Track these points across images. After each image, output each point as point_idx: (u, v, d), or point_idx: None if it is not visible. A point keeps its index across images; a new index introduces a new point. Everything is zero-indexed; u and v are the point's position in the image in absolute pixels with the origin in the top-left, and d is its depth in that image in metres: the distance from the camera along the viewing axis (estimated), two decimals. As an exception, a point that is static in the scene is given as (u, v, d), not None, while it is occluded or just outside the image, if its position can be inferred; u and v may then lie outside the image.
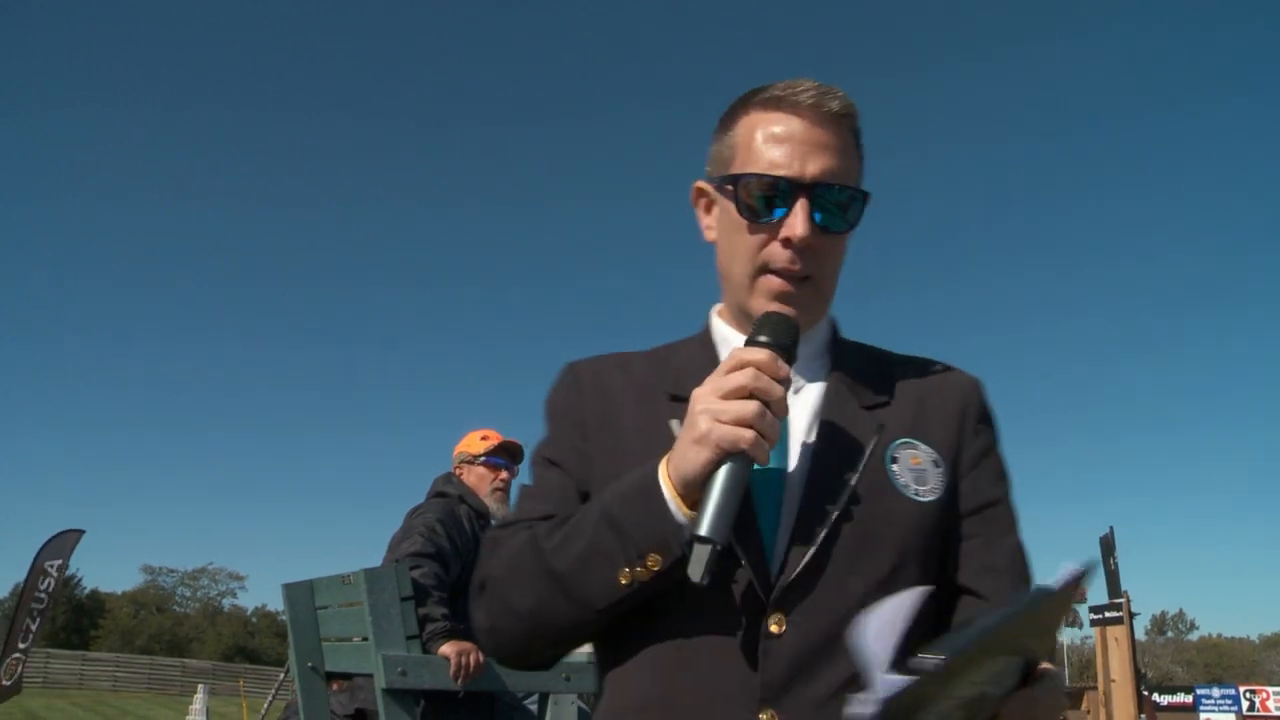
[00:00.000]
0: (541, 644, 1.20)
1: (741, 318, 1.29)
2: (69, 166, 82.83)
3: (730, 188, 1.24)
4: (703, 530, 1.02)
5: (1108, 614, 9.18)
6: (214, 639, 63.35)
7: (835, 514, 1.15)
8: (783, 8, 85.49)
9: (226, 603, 69.97)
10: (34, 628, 11.27)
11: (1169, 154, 73.98)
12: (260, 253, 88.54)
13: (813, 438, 1.22)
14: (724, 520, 1.03)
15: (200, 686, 18.53)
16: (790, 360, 1.12)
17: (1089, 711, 10.74)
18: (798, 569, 1.12)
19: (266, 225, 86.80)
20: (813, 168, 1.20)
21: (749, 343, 1.13)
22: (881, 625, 0.95)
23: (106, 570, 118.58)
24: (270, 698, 13.75)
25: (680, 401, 1.20)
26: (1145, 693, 9.28)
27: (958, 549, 1.24)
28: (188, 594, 69.33)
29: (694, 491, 1.07)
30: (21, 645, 11.19)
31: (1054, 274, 74.82)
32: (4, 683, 11.13)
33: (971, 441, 1.29)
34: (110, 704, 32.39)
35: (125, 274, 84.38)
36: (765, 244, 1.22)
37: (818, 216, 1.20)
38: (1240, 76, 72.72)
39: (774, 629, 1.10)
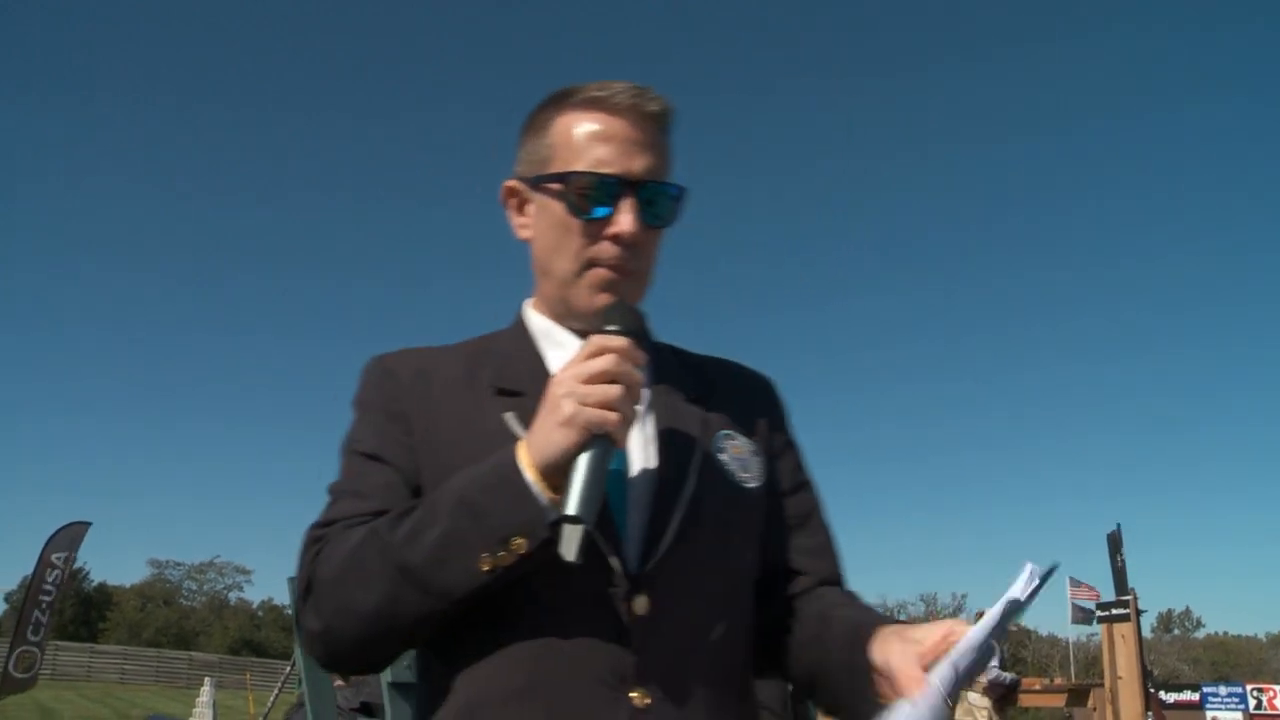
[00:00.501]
0: (385, 643, 1.17)
1: (563, 314, 1.32)
2: (77, 155, 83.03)
3: (556, 186, 1.27)
4: (573, 510, 1.04)
5: (1115, 611, 9.19)
6: (220, 632, 63.53)
7: (685, 502, 1.19)
8: (780, 7, 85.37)
9: (233, 596, 70.09)
10: (44, 620, 11.32)
11: (1176, 153, 73.72)
12: (272, 247, 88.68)
13: (649, 428, 1.26)
14: (593, 500, 1.05)
15: (207, 679, 18.57)
16: (642, 348, 1.16)
17: (1095, 709, 10.73)
18: (658, 554, 1.15)
19: (279, 220, 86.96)
20: (637, 166, 1.24)
21: (600, 331, 1.15)
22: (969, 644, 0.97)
23: (114, 563, 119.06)
24: (276, 690, 13.82)
25: (508, 395, 1.25)
26: (1152, 690, 9.26)
27: (780, 532, 1.33)
28: (194, 587, 69.52)
29: (555, 475, 1.08)
30: (33, 638, 11.24)
31: (1061, 271, 74.76)
32: (16, 675, 11.18)
33: (777, 433, 1.40)
34: (118, 696, 32.55)
35: (136, 266, 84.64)
36: (593, 241, 1.25)
37: (643, 213, 1.24)
38: (1240, 76, 72.49)
39: (638, 610, 1.13)
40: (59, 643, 47.72)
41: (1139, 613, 9.03)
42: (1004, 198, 75.61)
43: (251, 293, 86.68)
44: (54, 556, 11.41)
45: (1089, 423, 74.40)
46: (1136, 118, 73.13)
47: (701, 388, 1.35)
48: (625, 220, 1.23)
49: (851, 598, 1.32)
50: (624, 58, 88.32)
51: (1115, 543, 10.05)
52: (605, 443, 1.08)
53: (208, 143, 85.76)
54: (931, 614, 41.90)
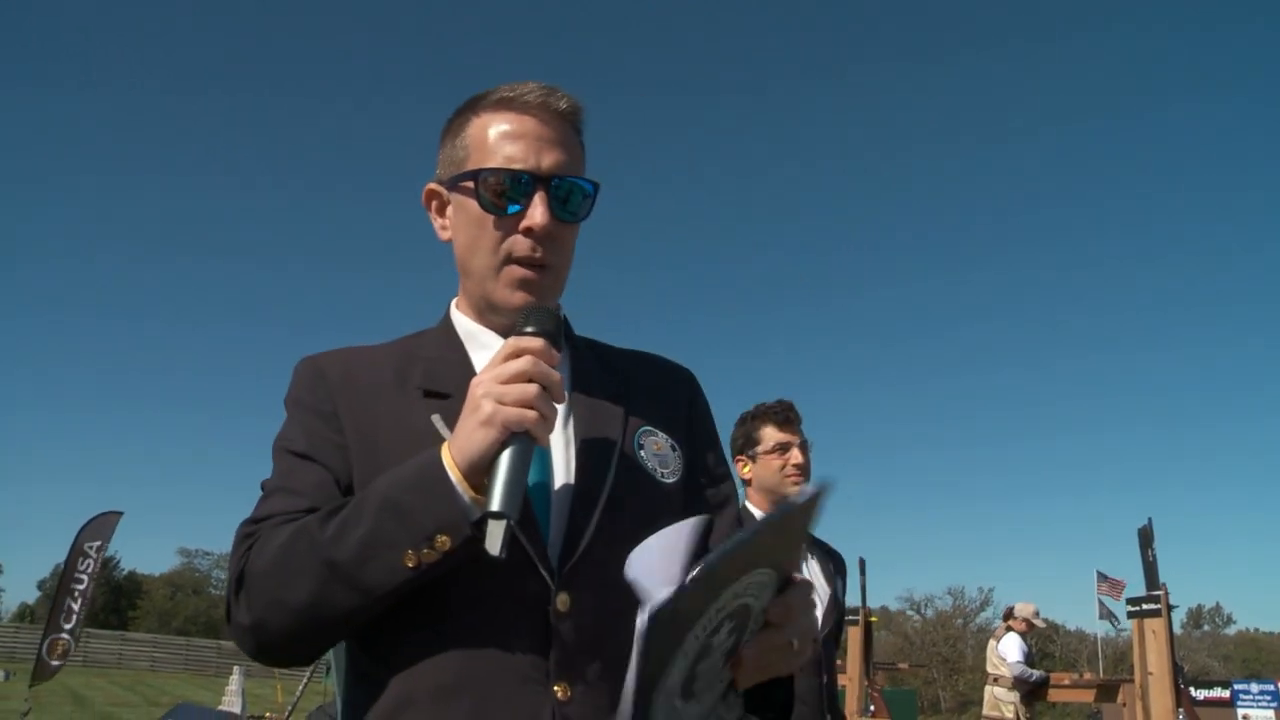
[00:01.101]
0: (313, 636, 1.20)
1: (485, 310, 1.36)
2: (103, 148, 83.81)
3: (470, 184, 1.31)
4: (496, 506, 1.08)
5: (1145, 606, 9.06)
6: (250, 621, 63.94)
7: (604, 500, 1.24)
8: (780, 6, 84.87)
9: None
10: (76, 609, 11.43)
11: (1204, 145, 72.82)
12: (298, 238, 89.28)
13: (570, 427, 1.30)
14: (515, 496, 1.09)
15: (236, 668, 18.80)
16: (558, 347, 1.20)
17: (1125, 704, 10.62)
18: (578, 551, 1.20)
19: (312, 211, 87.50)
20: (547, 161, 1.29)
21: (517, 332, 1.20)
22: (655, 556, 1.03)
23: (144, 552, 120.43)
24: (305, 680, 13.89)
25: (435, 397, 1.29)
26: (1183, 687, 9.14)
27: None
28: (223, 577, 69.70)
29: (478, 474, 1.12)
30: (66, 626, 11.35)
31: (1094, 264, 74.01)
32: (51, 662, 11.31)
33: (698, 427, 1.44)
34: (149, 684, 32.93)
35: (166, 255, 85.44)
36: (507, 236, 1.30)
37: (555, 207, 1.29)
38: (1241, 76, 71.42)
39: (561, 608, 1.18)
40: (91, 630, 48.28)
41: (1170, 608, 8.91)
42: (1037, 188, 74.94)
43: (285, 284, 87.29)
44: (87, 545, 11.52)
45: (1121, 416, 73.67)
46: (1137, 117, 72.05)
47: (621, 385, 1.39)
48: (536, 213, 1.27)
49: None
50: (626, 57, 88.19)
51: (1146, 537, 9.91)
52: (526, 441, 1.12)
53: (229, 134, 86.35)
54: (958, 607, 41.70)
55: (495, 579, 1.16)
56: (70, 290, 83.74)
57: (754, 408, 3.37)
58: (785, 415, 3.30)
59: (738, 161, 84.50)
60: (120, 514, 12.11)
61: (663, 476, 1.33)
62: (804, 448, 3.27)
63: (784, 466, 3.22)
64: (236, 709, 15.50)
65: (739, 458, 3.35)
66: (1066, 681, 11.23)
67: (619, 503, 1.26)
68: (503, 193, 1.28)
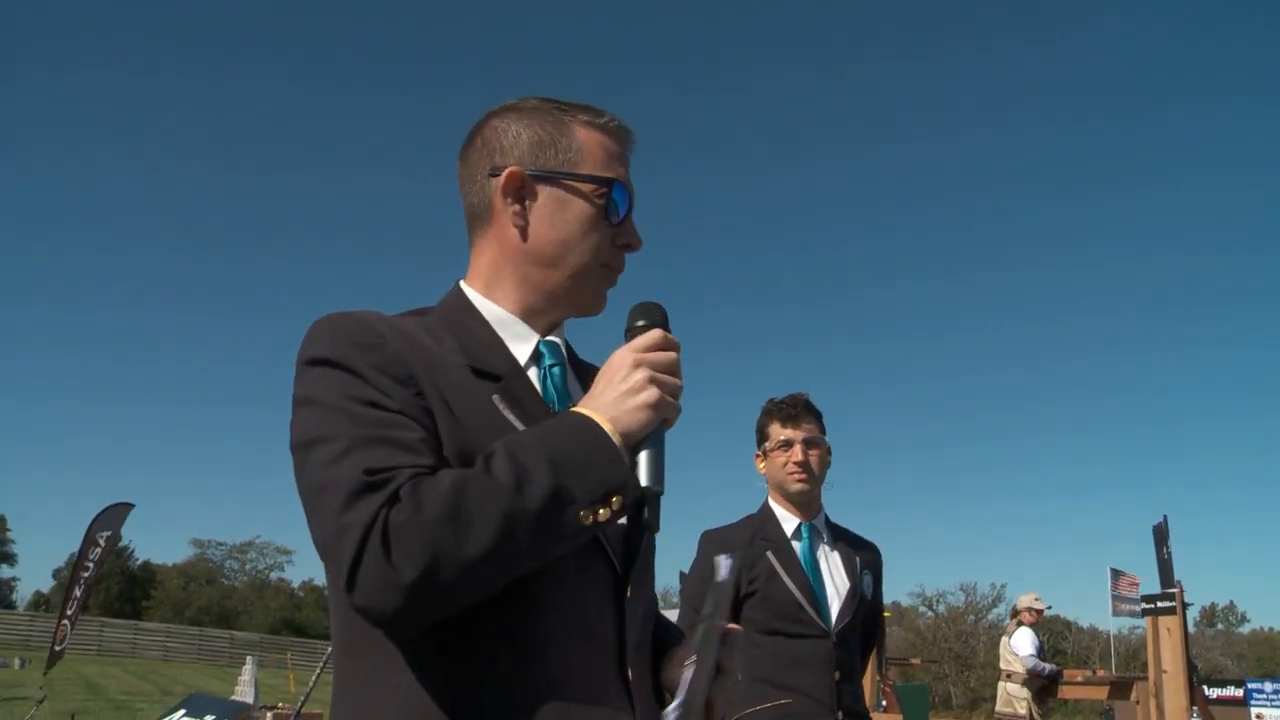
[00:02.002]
0: (472, 592, 1.11)
1: (545, 305, 1.40)
2: (114, 137, 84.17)
3: (590, 187, 1.38)
4: (654, 484, 1.20)
5: (1160, 604, 9.01)
6: (262, 611, 64.42)
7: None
8: (780, 6, 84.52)
9: (274, 576, 71.02)
10: (78, 596, 11.48)
11: (1231, 138, 72.28)
12: (315, 230, 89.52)
13: None
14: (661, 475, 1.20)
15: (249, 658, 18.83)
16: None
17: (1138, 702, 10.58)
18: (640, 547, 1.31)
19: (326, 203, 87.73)
20: (633, 190, 1.41)
21: (645, 327, 1.29)
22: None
23: (158, 542, 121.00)
24: (318, 670, 13.91)
25: (486, 378, 1.29)
26: (1197, 685, 9.10)
27: None
28: (236, 567, 70.42)
29: (630, 447, 1.19)
30: (69, 613, 11.42)
31: (1107, 261, 73.59)
32: (59, 649, 11.39)
33: None
34: (162, 673, 33.11)
35: (176, 245, 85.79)
36: (611, 244, 1.39)
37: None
38: (1242, 76, 70.82)
39: (630, 595, 1.27)
40: (105, 619, 48.74)
41: (1185, 605, 8.86)
42: (1049, 185, 74.56)
43: (296, 273, 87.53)
44: (99, 535, 11.58)
45: (1137, 414, 73.22)
46: (1138, 116, 71.52)
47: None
48: (637, 235, 1.41)
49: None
50: (628, 56, 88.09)
51: (1161, 534, 9.86)
52: (663, 429, 1.22)
53: (256, 127, 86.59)
54: (970, 603, 41.64)
55: (577, 565, 1.22)
56: (87, 281, 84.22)
57: (766, 402, 3.34)
58: (789, 411, 3.26)
59: (740, 161, 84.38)
60: (131, 506, 12.15)
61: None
62: (810, 444, 3.22)
63: (786, 464, 3.20)
64: (249, 699, 15.53)
65: (756, 454, 3.33)
66: (1079, 678, 11.17)
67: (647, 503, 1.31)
68: (620, 207, 1.39)
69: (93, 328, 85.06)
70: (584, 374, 1.46)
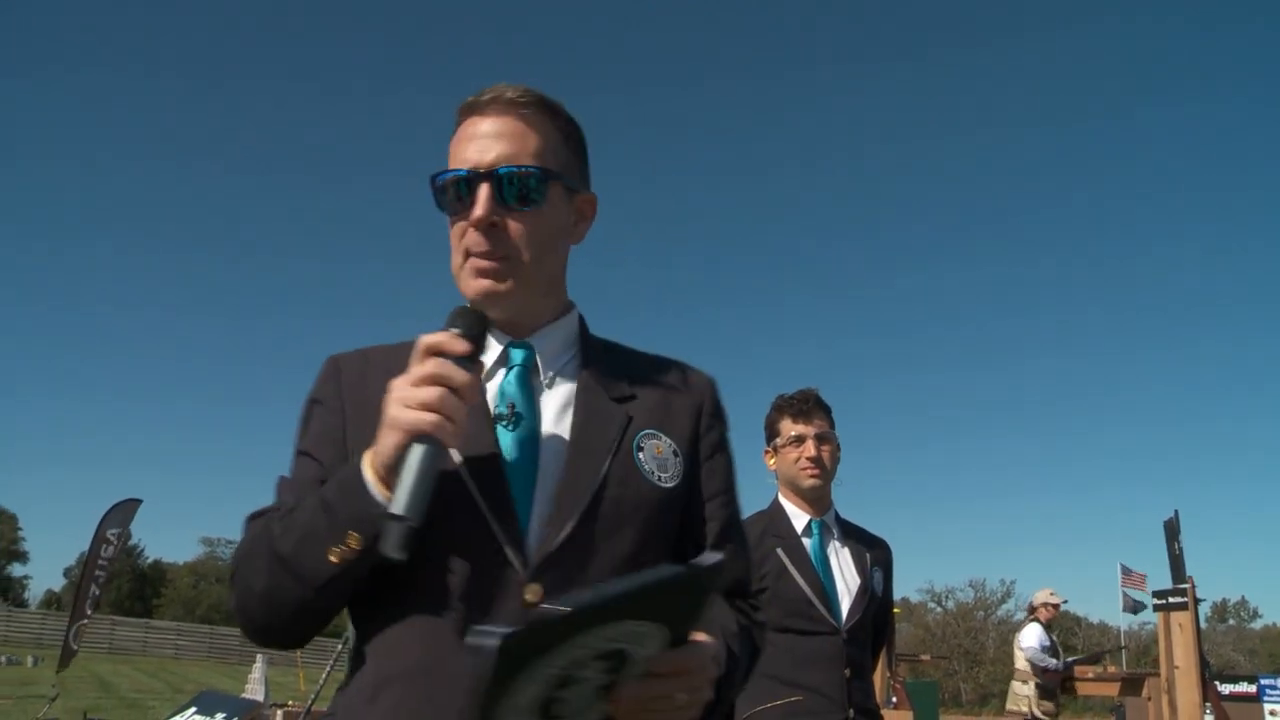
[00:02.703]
0: (281, 621, 1.28)
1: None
2: (129, 134, 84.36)
3: (434, 189, 1.38)
4: (394, 509, 1.12)
5: (1171, 599, 8.99)
6: (273, 610, 64.46)
7: (589, 496, 1.28)
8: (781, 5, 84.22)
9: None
10: (97, 594, 11.53)
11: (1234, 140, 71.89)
12: (328, 229, 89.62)
13: (566, 428, 1.34)
14: (415, 498, 1.13)
15: (259, 656, 18.83)
16: (478, 351, 1.25)
17: (1150, 698, 10.54)
18: (555, 544, 1.24)
19: (341, 201, 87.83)
20: (492, 156, 1.33)
21: (442, 330, 1.25)
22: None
23: (168, 541, 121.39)
24: (328, 669, 13.93)
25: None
26: (1211, 681, 9.06)
27: (697, 533, 1.40)
28: (247, 565, 70.60)
29: (392, 475, 1.16)
30: (90, 613, 11.47)
31: (1119, 257, 73.24)
32: (75, 647, 11.45)
33: (707, 434, 1.45)
34: (173, 671, 33.23)
35: (190, 243, 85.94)
36: (463, 232, 1.35)
37: (501, 198, 1.32)
38: (1243, 76, 70.37)
39: (530, 597, 1.22)
40: (116, 618, 48.90)
41: (1197, 601, 8.82)
42: (1063, 180, 74.31)
43: (307, 273, 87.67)
44: (109, 533, 11.62)
45: (1146, 408, 72.95)
46: (1142, 116, 71.12)
47: (629, 388, 1.41)
48: (475, 208, 1.32)
49: (727, 608, 1.39)
50: (632, 54, 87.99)
51: (1172, 529, 9.83)
52: (430, 443, 1.15)
53: (272, 121, 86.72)
54: (980, 599, 41.54)
55: (469, 566, 1.23)
56: (97, 281, 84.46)
57: (776, 398, 3.32)
58: (800, 407, 3.24)
59: (742, 159, 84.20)
60: (139, 501, 12.21)
61: (660, 480, 1.36)
62: (822, 440, 3.21)
63: (798, 460, 3.18)
64: (260, 697, 15.55)
65: (766, 450, 3.31)
66: (1090, 675, 11.11)
67: (606, 500, 1.29)
68: (453, 193, 1.35)
69: (102, 327, 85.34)
70: (600, 357, 1.45)
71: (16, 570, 67.62)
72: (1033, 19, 75.53)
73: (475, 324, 1.26)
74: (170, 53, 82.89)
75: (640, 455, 1.36)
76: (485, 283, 1.34)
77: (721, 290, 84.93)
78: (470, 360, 1.22)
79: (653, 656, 1.06)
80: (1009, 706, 11.17)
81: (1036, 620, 11.12)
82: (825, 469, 3.19)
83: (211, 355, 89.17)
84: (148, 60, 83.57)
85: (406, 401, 1.17)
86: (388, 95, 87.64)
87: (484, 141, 1.34)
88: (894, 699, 10.36)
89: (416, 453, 1.15)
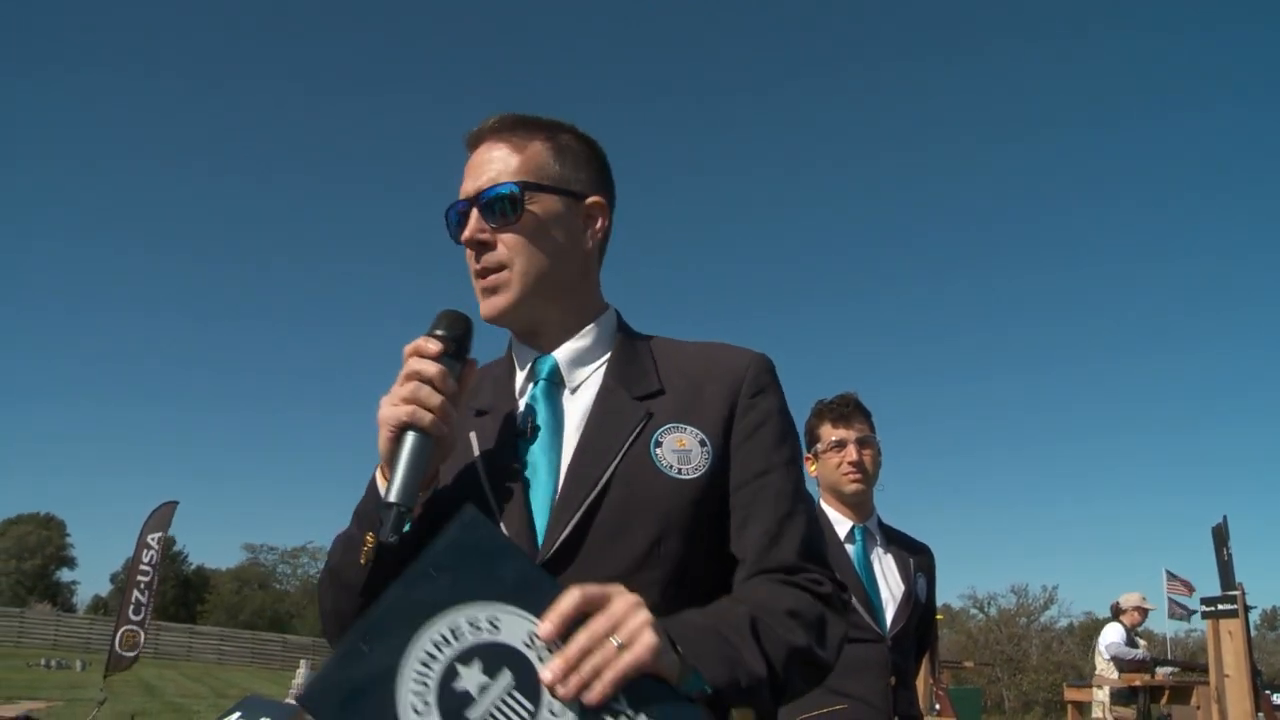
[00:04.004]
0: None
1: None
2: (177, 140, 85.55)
3: (447, 226, 1.47)
4: (387, 496, 1.20)
5: (1221, 606, 8.82)
6: (314, 616, 64.59)
7: (592, 495, 1.30)
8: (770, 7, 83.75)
9: (327, 581, 71.59)
10: (145, 600, 11.68)
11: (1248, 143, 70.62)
12: (371, 235, 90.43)
13: (582, 429, 1.37)
14: (404, 484, 1.21)
15: (302, 661, 19.10)
16: (462, 349, 1.33)
17: (1199, 707, 10.34)
18: (554, 547, 1.27)
19: (383, 207, 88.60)
20: (477, 184, 1.43)
21: (428, 335, 1.32)
22: None
23: (211, 547, 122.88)
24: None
25: (481, 415, 1.43)
26: (1262, 690, 8.86)
27: (737, 521, 1.37)
28: (288, 571, 71.35)
29: (389, 471, 1.24)
30: (135, 618, 11.60)
31: (1162, 261, 72.18)
32: (123, 653, 11.57)
33: (744, 416, 1.41)
34: (217, 676, 33.58)
35: (236, 249, 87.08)
36: (467, 256, 1.45)
37: (487, 218, 1.41)
38: (1246, 78, 69.05)
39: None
40: (161, 623, 49.49)
41: (1247, 608, 8.64)
42: (1118, 180, 73.41)
43: (349, 279, 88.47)
44: (150, 538, 11.77)
45: (1193, 413, 71.73)
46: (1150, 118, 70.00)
47: (656, 381, 1.42)
48: (464, 231, 1.43)
49: (767, 589, 1.32)
50: (639, 57, 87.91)
51: (1221, 535, 9.64)
52: (417, 434, 1.24)
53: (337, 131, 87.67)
54: (1022, 605, 41.01)
55: None
56: (146, 286, 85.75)
57: (815, 404, 3.31)
58: (840, 411, 3.23)
59: (756, 162, 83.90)
60: (175, 503, 12.35)
61: (679, 473, 1.34)
62: (864, 444, 3.19)
63: (840, 464, 3.16)
64: (302, 701, 15.72)
65: (806, 456, 3.28)
66: (1137, 682, 10.90)
67: (609, 501, 1.31)
68: (455, 224, 1.45)
69: (148, 332, 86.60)
70: (634, 355, 1.47)
71: (65, 575, 68.86)
72: (1037, 21, 74.72)
73: (453, 324, 1.33)
74: (194, 55, 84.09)
75: (658, 451, 1.36)
76: (487, 302, 1.43)
77: (762, 292, 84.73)
78: (454, 357, 1.31)
79: (534, 630, 1.00)
80: (1095, 715, 10.94)
81: (1120, 622, 10.84)
82: (867, 473, 3.16)
83: (251, 362, 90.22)
84: (176, 63, 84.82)
85: (389, 400, 1.27)
86: (393, 95, 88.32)
87: (475, 171, 1.45)
88: (937, 706, 10.25)
89: (404, 442, 1.23)
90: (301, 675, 17.62)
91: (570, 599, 1.03)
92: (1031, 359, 74.68)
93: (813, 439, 3.26)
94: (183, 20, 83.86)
